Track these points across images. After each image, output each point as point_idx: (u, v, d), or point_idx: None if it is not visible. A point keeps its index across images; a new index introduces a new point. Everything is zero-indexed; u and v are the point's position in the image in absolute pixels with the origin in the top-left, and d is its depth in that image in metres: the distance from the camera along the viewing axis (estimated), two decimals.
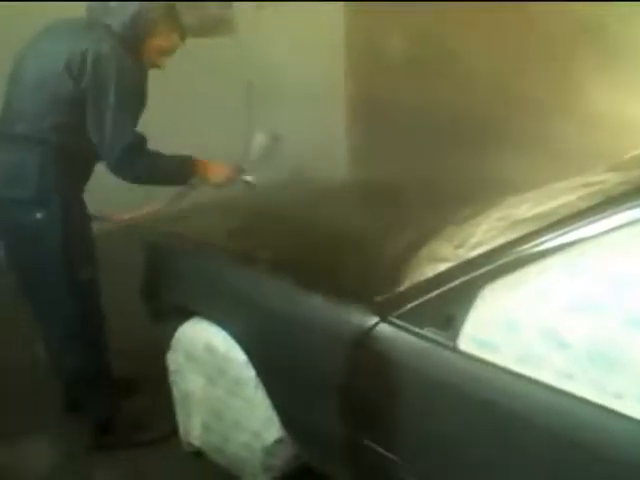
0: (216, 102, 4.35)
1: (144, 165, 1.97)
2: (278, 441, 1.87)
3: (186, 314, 2.06)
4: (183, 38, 2.10)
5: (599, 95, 3.60)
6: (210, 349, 1.96)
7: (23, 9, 3.32)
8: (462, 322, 1.33)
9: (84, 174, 2.07)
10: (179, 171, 2.08)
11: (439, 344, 1.36)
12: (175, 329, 2.11)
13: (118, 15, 1.94)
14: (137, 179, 2.00)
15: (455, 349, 1.33)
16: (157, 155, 2.00)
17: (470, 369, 1.30)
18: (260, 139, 2.24)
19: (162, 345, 2.14)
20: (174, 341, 2.12)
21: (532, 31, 3.91)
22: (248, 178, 2.22)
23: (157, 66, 2.09)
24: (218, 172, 2.15)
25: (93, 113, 1.87)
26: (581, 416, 1.14)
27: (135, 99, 1.95)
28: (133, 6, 1.95)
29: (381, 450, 1.50)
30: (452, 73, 4.34)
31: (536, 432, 1.19)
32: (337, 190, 2.77)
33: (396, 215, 2.07)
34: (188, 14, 4.31)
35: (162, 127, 3.91)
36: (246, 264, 1.92)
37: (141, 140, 1.95)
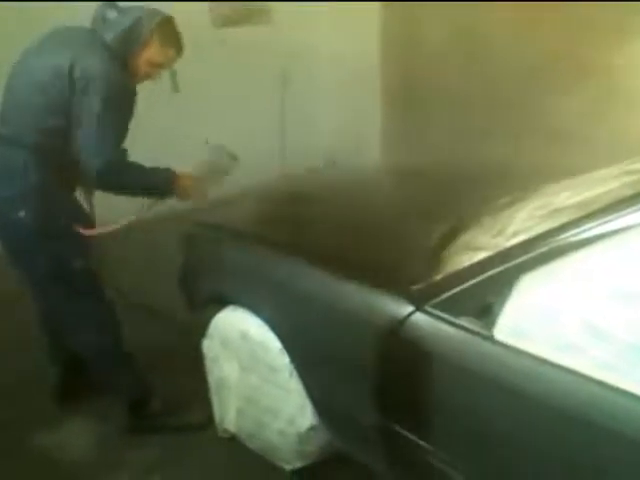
0: (251, 90, 4.38)
1: (122, 180, 2.01)
2: (312, 428, 1.88)
3: (222, 302, 2.09)
4: (179, 53, 2.12)
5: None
6: (245, 336, 1.98)
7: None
8: (499, 311, 1.31)
9: (70, 176, 2.09)
10: (157, 186, 2.10)
11: (475, 333, 1.35)
12: (211, 317, 2.14)
13: (113, 28, 2.00)
14: (115, 191, 2.05)
15: (491, 338, 1.31)
16: (137, 169, 2.03)
17: (506, 358, 1.28)
18: (214, 154, 2.23)
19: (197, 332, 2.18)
20: (210, 329, 2.14)
21: (568, 22, 3.82)
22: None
23: (151, 78, 2.13)
24: (195, 189, 2.17)
25: (78, 125, 1.93)
26: (620, 407, 1.12)
27: (119, 115, 1.98)
28: (127, 20, 2.00)
29: (414, 438, 1.50)
30: (489, 60, 4.26)
31: (572, 422, 1.17)
32: (372, 177, 2.76)
33: (432, 203, 2.05)
34: (226, 5, 4.37)
35: (198, 114, 3.99)
36: (281, 252, 1.93)
37: (120, 157, 2.00)
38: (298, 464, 1.99)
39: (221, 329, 2.10)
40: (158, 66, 2.11)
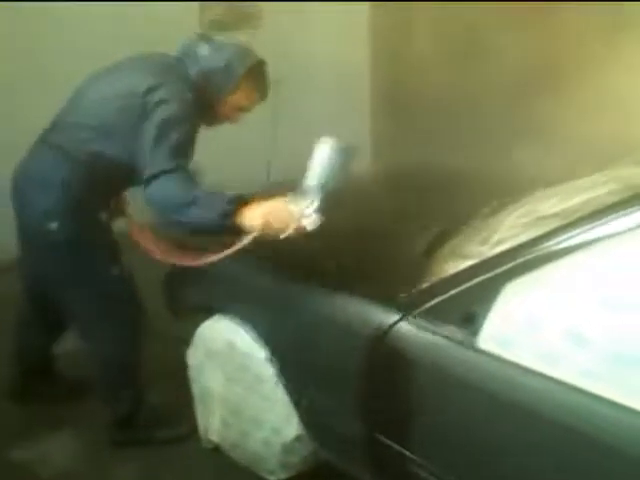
0: None
1: (169, 196, 1.74)
2: (297, 438, 1.86)
3: (208, 311, 2.07)
4: (264, 97, 2.02)
5: (632, 91, 3.53)
6: (231, 346, 1.96)
7: None
8: (483, 320, 1.31)
9: (108, 196, 2.05)
10: (224, 217, 1.69)
11: (459, 342, 1.34)
12: (196, 326, 2.12)
13: (200, 64, 1.90)
14: (166, 212, 1.77)
15: (475, 347, 1.31)
16: (203, 193, 1.72)
17: (490, 367, 1.28)
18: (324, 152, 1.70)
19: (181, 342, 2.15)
20: (195, 338, 2.12)
21: (558, 25, 3.85)
22: (310, 221, 1.69)
23: (231, 121, 2.04)
24: (282, 220, 1.69)
25: (141, 143, 1.79)
26: (604, 415, 1.11)
27: (180, 133, 1.79)
28: (219, 61, 1.89)
29: (399, 447, 1.49)
30: (478, 63, 4.28)
31: (556, 431, 1.16)
32: (360, 184, 2.74)
33: (420, 210, 2.05)
34: (214, 9, 4.36)
35: None
36: (267, 261, 1.91)
37: (178, 169, 1.75)
38: (283, 475, 1.96)
39: (206, 339, 2.08)
40: (242, 110, 2.01)
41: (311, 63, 4.70)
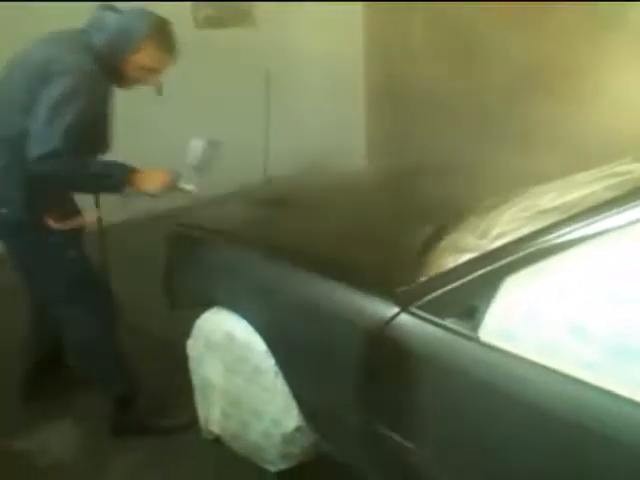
0: (234, 91, 4.36)
1: (62, 166, 1.86)
2: (297, 429, 1.88)
3: (207, 303, 2.08)
4: (172, 57, 2.06)
5: (627, 86, 3.54)
6: (230, 338, 1.97)
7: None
8: (483, 313, 1.32)
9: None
10: (109, 179, 1.94)
11: (460, 335, 1.35)
12: (195, 318, 2.13)
13: (106, 31, 1.96)
14: (57, 179, 1.91)
15: (476, 340, 1.32)
16: (84, 162, 1.90)
17: (491, 360, 1.29)
18: (197, 145, 2.11)
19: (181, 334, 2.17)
20: (194, 330, 2.13)
21: (554, 18, 3.86)
22: (186, 186, 2.11)
23: (145, 84, 2.08)
24: (153, 180, 2.01)
25: (35, 112, 1.84)
26: (604, 408, 1.13)
27: (76, 111, 1.84)
28: (121, 23, 1.96)
29: (399, 439, 1.51)
30: (473, 60, 4.29)
31: (557, 423, 1.18)
32: (357, 179, 2.76)
33: (417, 204, 2.06)
34: (209, 6, 4.35)
35: (181, 116, 3.97)
36: (267, 253, 1.92)
37: (67, 147, 1.83)
38: (283, 465, 1.99)
39: (205, 330, 2.09)
40: (151, 71, 2.05)
41: (306, 60, 4.70)
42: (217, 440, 2.17)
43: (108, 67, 1.96)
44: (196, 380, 2.18)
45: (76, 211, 2.19)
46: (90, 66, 1.90)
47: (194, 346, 2.14)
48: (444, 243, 1.69)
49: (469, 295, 1.36)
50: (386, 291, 1.55)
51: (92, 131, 1.94)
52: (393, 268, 1.66)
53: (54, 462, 2.18)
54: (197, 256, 2.17)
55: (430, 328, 1.42)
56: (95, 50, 1.94)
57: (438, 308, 1.42)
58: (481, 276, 1.35)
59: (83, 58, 1.91)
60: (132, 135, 3.43)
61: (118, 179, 1.95)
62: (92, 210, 2.19)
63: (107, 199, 2.20)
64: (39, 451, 2.22)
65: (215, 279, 2.07)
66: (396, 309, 1.50)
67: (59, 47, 1.94)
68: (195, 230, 2.25)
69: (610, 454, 1.12)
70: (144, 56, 1.99)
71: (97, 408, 2.31)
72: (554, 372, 1.19)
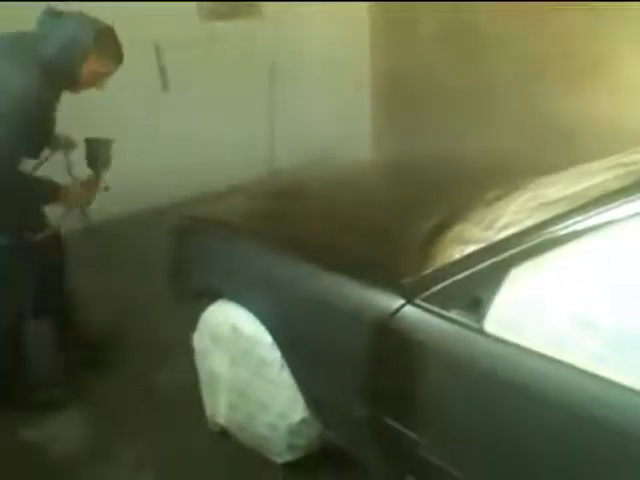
0: (239, 84, 4.35)
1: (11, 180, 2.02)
2: (303, 421, 1.88)
3: (212, 296, 2.08)
4: (118, 63, 2.16)
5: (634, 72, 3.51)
6: (236, 330, 1.97)
7: None
8: (489, 304, 1.31)
9: None
10: (38, 197, 2.18)
11: (465, 326, 1.35)
12: (201, 311, 2.13)
13: (50, 41, 2.02)
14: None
15: (481, 331, 1.32)
16: (17, 177, 2.04)
17: (496, 351, 1.29)
18: (92, 145, 2.27)
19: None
20: (200, 323, 2.14)
21: (559, 18, 3.82)
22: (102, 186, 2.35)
23: (95, 87, 2.18)
24: (75, 197, 2.25)
25: None
26: (611, 399, 1.12)
27: (23, 126, 1.98)
28: (65, 32, 2.03)
29: (404, 430, 1.51)
30: (478, 54, 4.26)
31: (563, 414, 1.18)
32: (362, 171, 2.75)
33: (423, 197, 2.05)
34: None
35: (186, 109, 3.96)
36: (272, 246, 1.92)
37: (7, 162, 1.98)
38: (289, 457, 1.99)
39: (211, 323, 2.09)
40: (100, 76, 2.15)
41: (311, 51, 4.67)
42: (223, 432, 2.18)
43: (58, 75, 2.05)
44: (202, 373, 2.18)
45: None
46: (36, 77, 1.99)
47: (200, 339, 2.15)
48: (450, 235, 1.68)
49: (474, 287, 1.36)
50: (391, 283, 1.54)
51: (39, 132, 2.08)
52: (398, 260, 1.65)
53: (58, 453, 2.19)
54: (202, 249, 2.17)
55: (435, 320, 1.41)
56: (43, 59, 2.01)
57: (443, 300, 1.41)
58: (486, 268, 1.34)
59: (32, 69, 1.99)
60: (139, 131, 3.45)
61: (48, 196, 2.17)
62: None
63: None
64: (46, 442, 2.24)
65: (221, 272, 2.07)
66: (401, 301, 1.49)
67: (6, 58, 2.00)
68: (200, 223, 2.25)
69: (616, 445, 1.12)
70: (94, 64, 2.10)
71: (101, 397, 2.33)
72: (559, 363, 1.18)
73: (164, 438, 2.23)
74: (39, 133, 2.10)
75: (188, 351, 2.18)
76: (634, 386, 1.09)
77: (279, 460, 2.01)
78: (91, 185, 2.30)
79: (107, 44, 2.10)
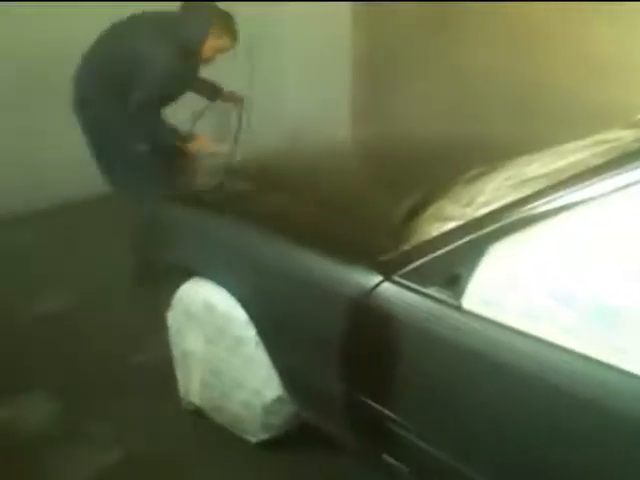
0: (217, 60, 4.27)
1: (149, 121, 2.69)
2: (278, 399, 1.87)
3: (186, 274, 2.04)
4: (235, 39, 2.72)
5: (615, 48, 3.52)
6: (210, 308, 1.95)
7: None
8: (467, 281, 1.30)
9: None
10: (172, 137, 2.78)
11: (443, 303, 1.34)
12: (175, 289, 2.09)
13: (187, 26, 2.64)
14: (145, 130, 2.73)
15: (460, 308, 1.31)
16: (162, 120, 2.73)
17: (474, 328, 1.28)
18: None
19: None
20: (174, 301, 2.11)
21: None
22: (219, 148, 2.88)
23: (210, 61, 2.75)
24: (196, 145, 2.82)
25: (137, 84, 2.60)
26: (587, 374, 1.12)
27: (165, 89, 2.64)
28: (193, 20, 2.64)
29: (381, 408, 1.50)
30: (461, 29, 4.23)
31: (540, 389, 1.18)
32: (342, 150, 2.73)
33: (403, 174, 2.03)
34: None
35: None
36: (248, 223, 1.89)
37: (152, 105, 2.65)
38: (263, 436, 1.98)
39: (185, 301, 2.06)
40: (217, 51, 2.71)
41: (291, 30, 4.61)
42: (197, 411, 2.15)
43: (188, 50, 2.63)
44: (176, 351, 2.15)
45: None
46: (175, 52, 2.58)
47: (174, 317, 2.12)
48: (428, 212, 1.67)
49: (453, 263, 1.34)
50: (369, 260, 1.52)
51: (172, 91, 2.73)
52: (377, 236, 1.63)
53: (30, 431, 2.15)
54: (176, 226, 2.13)
55: (413, 296, 1.40)
56: (178, 38, 2.61)
57: (421, 276, 1.40)
58: (465, 244, 1.33)
59: (173, 47, 2.58)
60: None
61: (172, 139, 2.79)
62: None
63: None
64: (14, 421, 2.19)
65: (195, 249, 2.04)
66: (379, 278, 1.48)
67: (154, 35, 2.62)
68: (175, 199, 2.21)
69: (594, 419, 1.12)
70: (213, 43, 2.67)
71: (71, 377, 2.28)
72: (537, 339, 1.18)
73: (135, 418, 2.19)
74: (172, 92, 2.72)
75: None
76: (608, 359, 1.09)
77: (253, 439, 2.00)
78: (204, 140, 2.84)
79: (225, 25, 2.66)
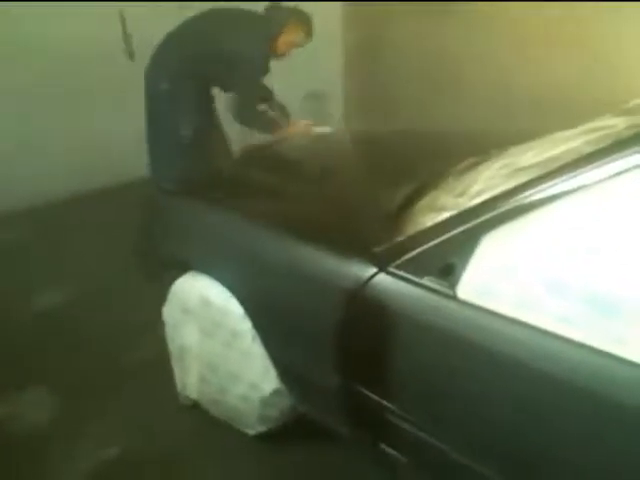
0: None
1: (249, 115, 2.93)
2: (275, 392, 1.87)
3: (182, 268, 2.04)
4: (309, 34, 2.94)
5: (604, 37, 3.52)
6: (206, 302, 1.94)
7: None
8: (462, 270, 1.31)
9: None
10: (270, 127, 3.01)
11: (438, 293, 1.34)
12: (171, 283, 2.09)
13: (270, 21, 2.88)
14: (245, 123, 2.96)
15: (454, 298, 1.31)
16: (261, 112, 3.01)
17: (469, 317, 1.28)
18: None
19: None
20: (170, 295, 2.10)
21: None
22: (320, 129, 3.05)
23: (285, 56, 2.96)
24: (297, 127, 3.06)
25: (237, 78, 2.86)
26: (579, 361, 1.13)
27: (255, 78, 2.91)
28: (278, 16, 2.88)
29: (378, 398, 1.50)
30: (456, 18, 4.22)
31: (535, 378, 1.18)
32: (334, 141, 2.73)
33: (395, 165, 2.03)
34: None
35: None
36: (243, 217, 1.88)
37: (252, 99, 2.92)
38: (261, 429, 1.98)
39: (181, 295, 2.06)
40: (293, 45, 2.94)
41: None
42: (195, 406, 2.16)
43: (269, 44, 2.87)
44: (173, 346, 2.15)
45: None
46: (265, 50, 2.86)
47: (170, 312, 2.11)
48: (423, 202, 1.67)
49: (447, 253, 1.34)
50: (364, 251, 1.52)
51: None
52: (371, 228, 1.63)
53: (29, 428, 2.14)
54: (172, 220, 2.12)
55: (408, 287, 1.40)
56: (264, 33, 2.85)
57: (416, 267, 1.40)
58: (459, 234, 1.33)
59: (261, 46, 2.85)
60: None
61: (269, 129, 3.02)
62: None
63: None
64: (13, 418, 2.18)
65: (191, 243, 2.03)
66: (374, 269, 1.48)
67: (247, 35, 2.84)
68: (172, 194, 2.20)
69: (586, 406, 1.12)
70: (288, 37, 2.90)
71: (70, 373, 2.28)
72: (531, 327, 1.18)
73: (134, 412, 2.19)
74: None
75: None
76: (602, 347, 1.10)
77: (251, 432, 2.00)
78: (302, 125, 3.08)
79: (300, 21, 2.90)
